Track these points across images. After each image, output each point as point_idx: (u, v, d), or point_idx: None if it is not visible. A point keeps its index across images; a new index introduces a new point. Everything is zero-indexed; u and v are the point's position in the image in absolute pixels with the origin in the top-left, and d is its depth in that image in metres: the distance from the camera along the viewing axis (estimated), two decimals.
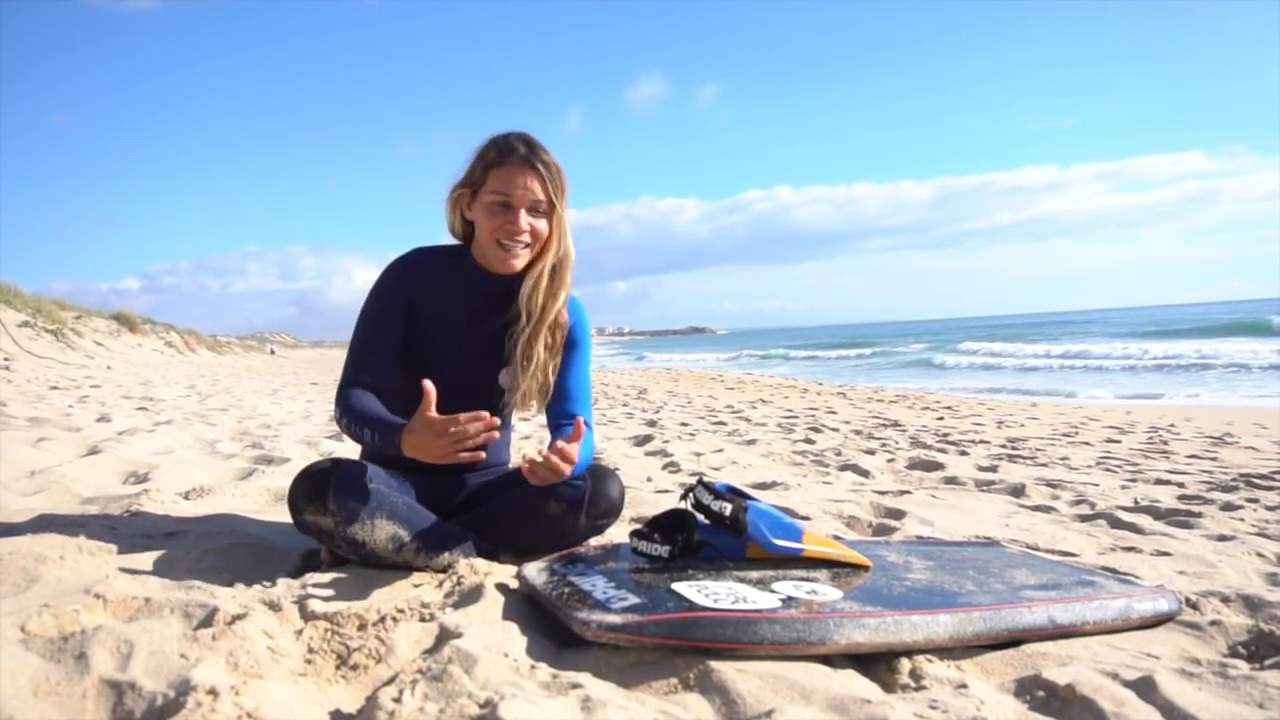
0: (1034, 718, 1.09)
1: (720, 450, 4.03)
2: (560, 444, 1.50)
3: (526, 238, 1.68)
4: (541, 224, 1.69)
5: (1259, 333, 21.26)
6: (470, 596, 1.42)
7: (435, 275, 1.76)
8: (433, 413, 1.42)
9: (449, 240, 1.82)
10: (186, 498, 2.36)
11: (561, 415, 1.82)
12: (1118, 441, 4.75)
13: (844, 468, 3.55)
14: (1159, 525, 2.39)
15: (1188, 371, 13.42)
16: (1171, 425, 5.73)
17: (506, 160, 1.65)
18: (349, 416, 1.61)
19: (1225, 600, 1.55)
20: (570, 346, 1.82)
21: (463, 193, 1.73)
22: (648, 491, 2.67)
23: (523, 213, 1.66)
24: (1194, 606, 1.53)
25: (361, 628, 1.26)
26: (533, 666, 1.14)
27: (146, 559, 1.63)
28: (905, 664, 1.23)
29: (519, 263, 1.70)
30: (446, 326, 1.76)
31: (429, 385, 1.43)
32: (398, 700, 0.99)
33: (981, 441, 4.66)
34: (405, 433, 1.47)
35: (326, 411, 5.97)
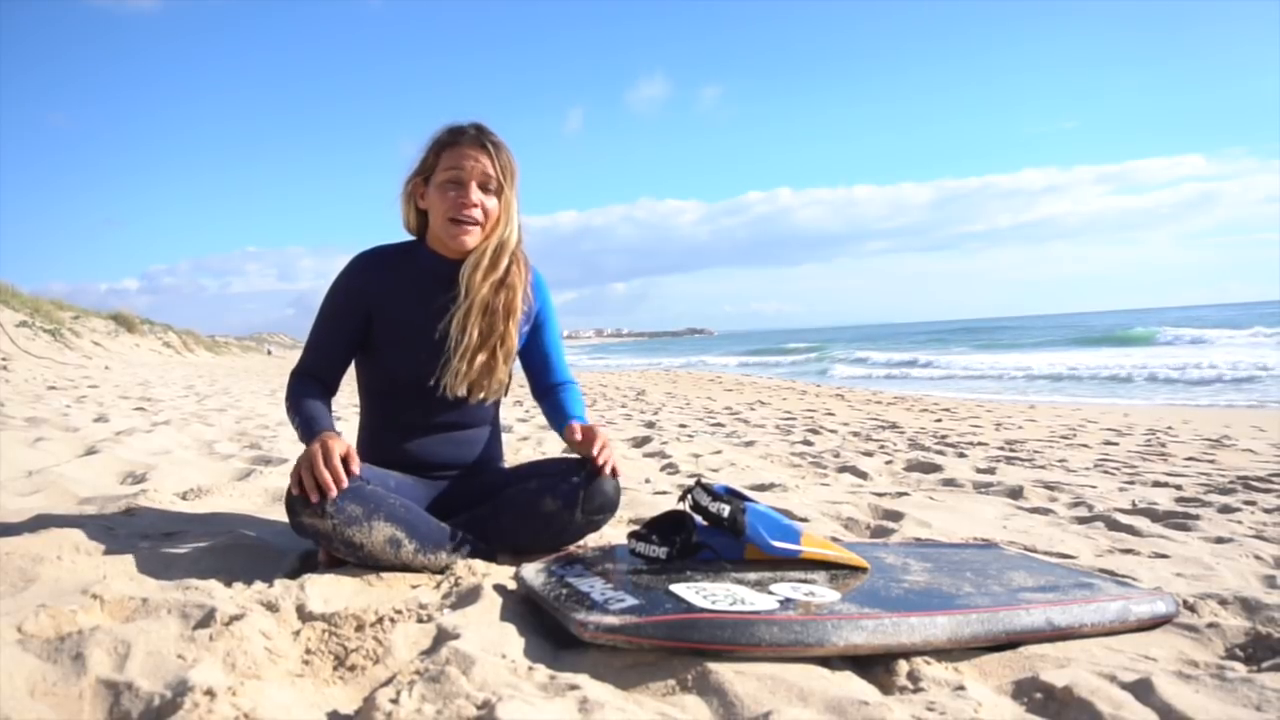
0: None
1: (718, 452, 4.03)
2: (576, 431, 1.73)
3: (478, 213, 1.71)
4: (492, 202, 1.73)
5: (1140, 343, 23.04)
6: (468, 597, 1.42)
7: (392, 269, 1.79)
8: (337, 454, 1.52)
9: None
10: (184, 498, 2.36)
11: (546, 384, 1.94)
12: (1115, 444, 4.75)
13: (842, 469, 3.55)
14: (1157, 527, 2.39)
15: (1035, 380, 14.43)
16: (1169, 428, 5.73)
17: (458, 140, 1.72)
18: (290, 400, 1.74)
19: (1223, 603, 1.55)
20: (539, 326, 1.89)
21: (416, 182, 1.78)
22: (646, 493, 2.67)
23: (473, 186, 1.70)
24: (1191, 609, 1.53)
25: (359, 629, 1.26)
26: (530, 668, 1.13)
27: (144, 559, 1.62)
28: (903, 666, 1.22)
29: (470, 240, 1.73)
30: (407, 319, 1.77)
31: (354, 456, 1.56)
32: (395, 701, 0.99)
33: (979, 444, 4.67)
34: (309, 446, 1.57)
35: None
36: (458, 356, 1.75)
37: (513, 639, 1.25)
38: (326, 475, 1.49)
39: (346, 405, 6.15)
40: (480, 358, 1.76)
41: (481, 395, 1.80)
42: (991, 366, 17.56)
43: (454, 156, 1.70)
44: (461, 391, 1.77)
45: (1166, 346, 20.88)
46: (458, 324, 1.75)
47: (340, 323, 1.78)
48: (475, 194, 1.70)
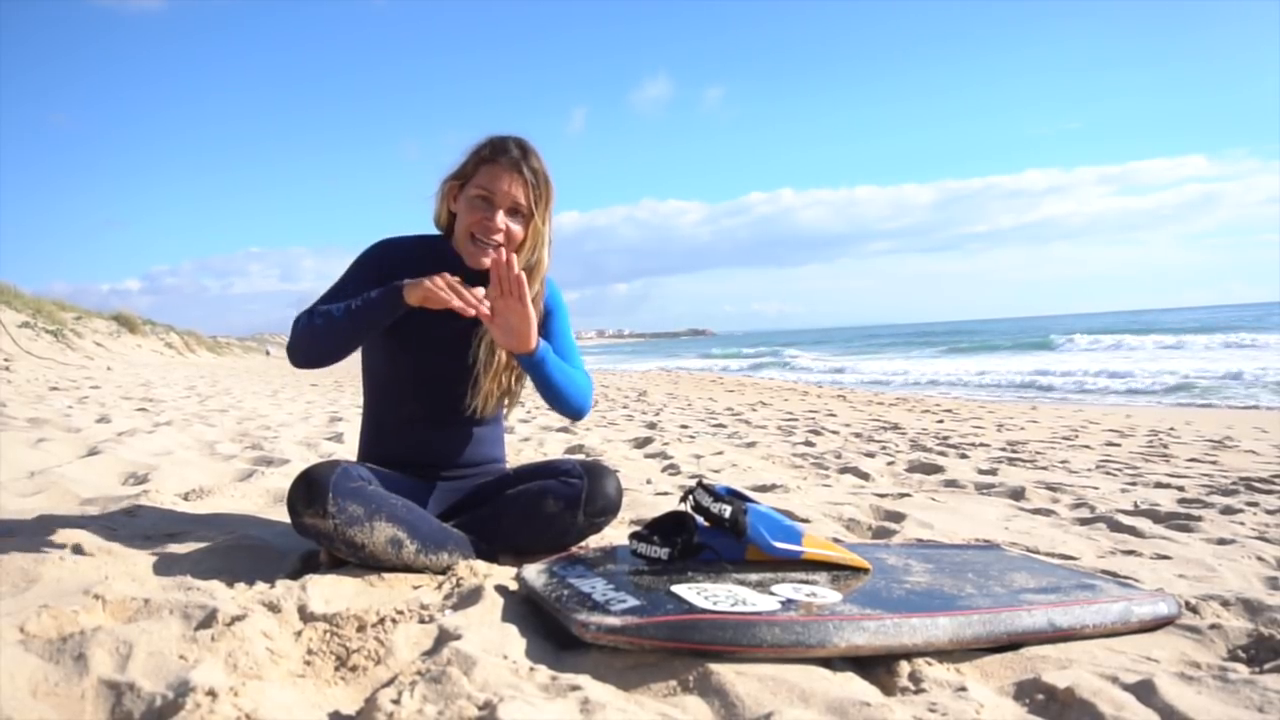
0: None
1: (720, 452, 4.03)
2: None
3: (500, 238, 1.72)
4: (518, 227, 1.73)
5: (1042, 349, 24.17)
6: (469, 598, 1.42)
7: (416, 260, 1.77)
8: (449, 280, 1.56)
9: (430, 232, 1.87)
10: (186, 499, 2.36)
11: None
12: (1118, 445, 4.75)
13: (844, 470, 3.55)
14: (1159, 529, 2.39)
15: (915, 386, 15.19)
16: (1171, 429, 5.73)
17: (498, 159, 1.72)
18: (312, 315, 1.64)
19: (1225, 604, 1.55)
20: (547, 315, 1.86)
21: (452, 185, 1.78)
22: (647, 494, 2.67)
23: (501, 213, 1.71)
24: (1194, 610, 1.53)
25: (360, 629, 1.26)
26: (532, 668, 1.14)
27: (146, 560, 1.63)
28: (905, 667, 1.22)
29: (489, 261, 1.71)
30: (421, 313, 1.75)
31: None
32: (396, 702, 0.99)
33: (981, 444, 4.67)
34: (410, 284, 1.56)
35: (326, 412, 5.97)
36: (489, 377, 1.78)
37: (514, 640, 1.25)
38: (460, 297, 1.54)
39: (349, 406, 6.15)
40: (509, 374, 1.80)
41: (492, 406, 1.83)
42: (885, 371, 18.87)
43: (489, 176, 1.70)
44: (489, 410, 1.81)
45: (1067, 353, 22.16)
46: (487, 345, 1.77)
47: (365, 284, 1.71)
48: (501, 219, 1.71)
